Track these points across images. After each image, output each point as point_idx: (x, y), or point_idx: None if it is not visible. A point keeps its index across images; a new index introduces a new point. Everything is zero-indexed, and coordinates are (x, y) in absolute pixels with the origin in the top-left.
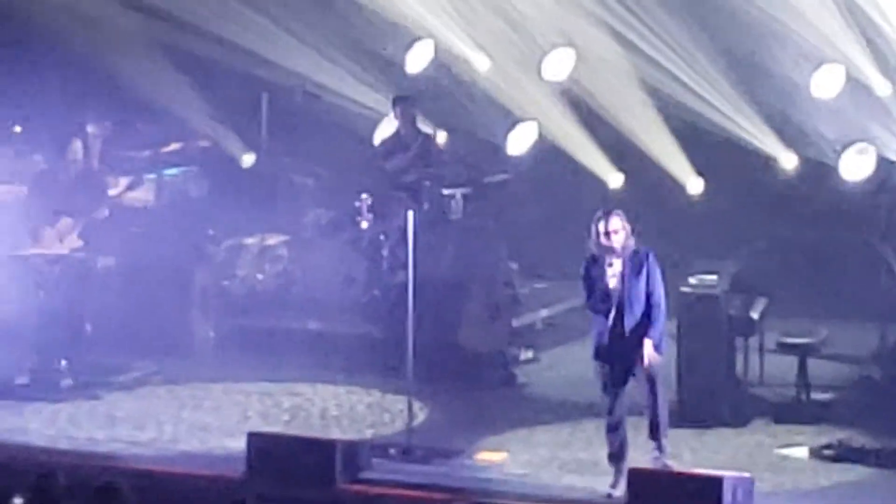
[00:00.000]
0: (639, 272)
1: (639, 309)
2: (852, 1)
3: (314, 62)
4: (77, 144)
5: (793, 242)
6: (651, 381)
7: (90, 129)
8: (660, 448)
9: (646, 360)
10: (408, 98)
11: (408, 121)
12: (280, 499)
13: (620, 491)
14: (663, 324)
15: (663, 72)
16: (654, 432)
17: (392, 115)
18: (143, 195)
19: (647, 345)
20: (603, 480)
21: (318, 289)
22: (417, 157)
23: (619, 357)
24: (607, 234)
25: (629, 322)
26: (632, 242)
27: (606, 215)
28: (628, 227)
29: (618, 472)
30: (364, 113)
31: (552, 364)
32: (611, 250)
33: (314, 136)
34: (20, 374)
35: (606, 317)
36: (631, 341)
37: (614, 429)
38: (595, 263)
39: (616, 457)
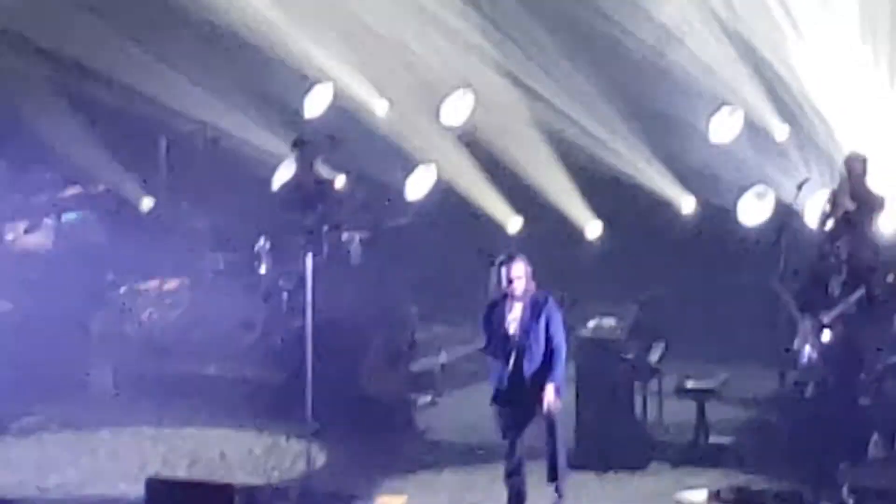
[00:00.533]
0: (538, 316)
1: (538, 353)
2: (750, 46)
3: (213, 106)
4: None
5: (691, 286)
6: (550, 426)
7: None
8: (559, 492)
9: (545, 405)
10: (307, 142)
11: (307, 165)
12: None
13: None
14: (563, 368)
15: (562, 116)
16: (554, 476)
17: (291, 158)
18: (41, 240)
19: (549, 389)
20: None
21: (216, 333)
22: (316, 201)
23: (518, 401)
24: (510, 279)
25: (528, 367)
26: (532, 286)
27: (509, 260)
28: (529, 271)
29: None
30: (263, 157)
31: (451, 408)
32: (512, 296)
33: (213, 180)
34: None
35: (506, 361)
36: (530, 385)
37: (513, 473)
38: (495, 308)
39: (515, 501)
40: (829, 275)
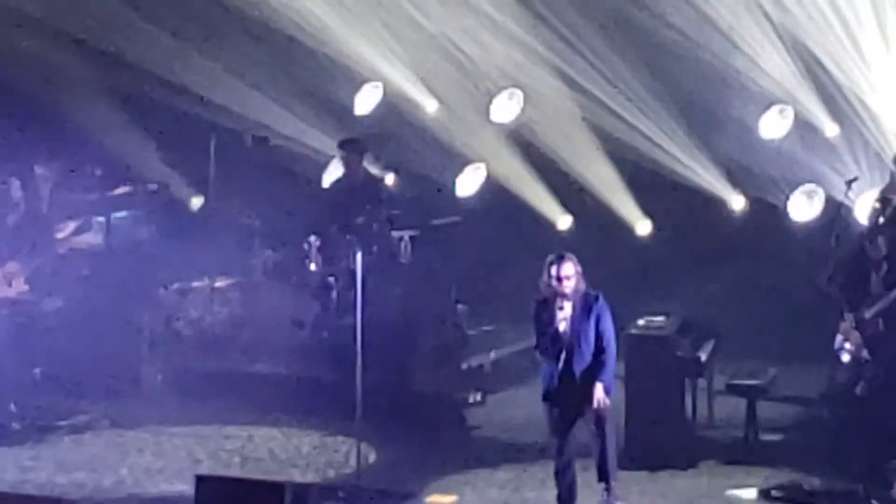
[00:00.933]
0: (588, 315)
1: (588, 352)
2: (800, 43)
3: (263, 105)
4: (16, 185)
5: (741, 284)
6: (600, 424)
7: (38, 170)
8: (608, 490)
9: (595, 403)
10: (355, 140)
11: (356, 163)
12: None
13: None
14: (613, 367)
15: (612, 114)
16: (603, 475)
17: (341, 157)
18: (91, 238)
19: (598, 388)
20: None
21: (267, 331)
22: (366, 199)
23: (568, 400)
24: (559, 279)
25: (579, 365)
26: (582, 286)
27: (559, 260)
28: (580, 271)
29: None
30: (313, 155)
31: (501, 406)
32: (562, 294)
33: (263, 178)
34: None
35: (556, 360)
36: (580, 384)
37: (563, 471)
38: (545, 306)
39: (565, 499)
40: (871, 271)
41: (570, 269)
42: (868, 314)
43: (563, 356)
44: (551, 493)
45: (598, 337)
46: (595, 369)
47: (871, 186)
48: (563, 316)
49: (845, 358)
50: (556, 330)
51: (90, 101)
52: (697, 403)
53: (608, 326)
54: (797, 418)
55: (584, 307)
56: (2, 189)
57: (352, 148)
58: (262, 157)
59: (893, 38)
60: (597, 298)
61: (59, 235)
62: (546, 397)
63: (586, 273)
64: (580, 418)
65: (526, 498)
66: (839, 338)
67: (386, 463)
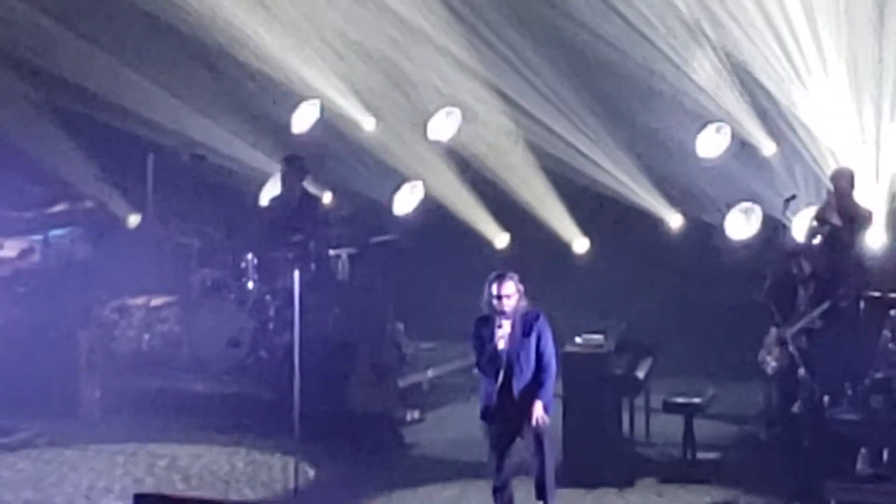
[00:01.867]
0: (528, 334)
1: (528, 370)
2: (737, 62)
3: (200, 123)
4: None
5: (679, 302)
6: (539, 442)
7: None
8: None
9: (534, 421)
10: (298, 158)
11: (295, 181)
12: None
13: None
14: (552, 385)
15: (549, 132)
16: (542, 494)
17: (279, 175)
18: (29, 255)
19: (538, 406)
20: None
21: (204, 349)
22: (304, 217)
23: (507, 418)
24: (499, 297)
25: (518, 383)
26: (523, 304)
27: (500, 279)
28: (521, 290)
29: None
30: (250, 174)
31: (439, 424)
32: (501, 312)
33: (200, 196)
34: None
35: (495, 378)
36: (519, 402)
37: (501, 489)
38: (485, 324)
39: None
40: (798, 288)
41: (510, 287)
42: (791, 331)
43: (501, 374)
44: None
45: (539, 356)
46: (534, 388)
47: (808, 205)
48: (502, 334)
49: (770, 370)
50: (495, 348)
51: (26, 118)
52: (635, 421)
53: (548, 345)
54: (735, 436)
55: (525, 325)
56: None
57: (294, 165)
58: (199, 175)
59: (830, 57)
60: (537, 317)
61: (3, 254)
62: (484, 415)
63: (524, 291)
64: (518, 437)
65: None
66: (762, 352)
67: (324, 481)
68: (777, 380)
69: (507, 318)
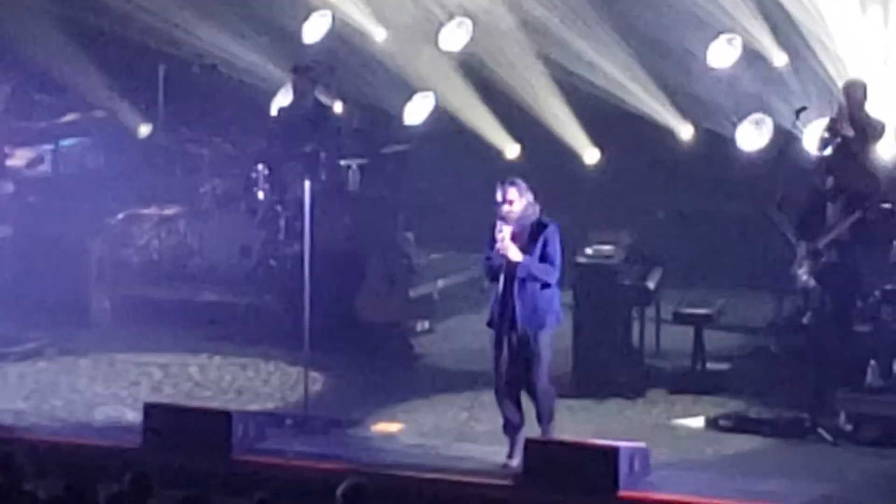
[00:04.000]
0: (535, 242)
1: (530, 279)
2: None
3: (211, 33)
4: None
5: (689, 213)
6: (529, 362)
7: None
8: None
9: (498, 243)
10: (309, 68)
11: (306, 91)
12: (176, 469)
13: (517, 461)
14: (543, 272)
15: (560, 43)
16: (539, 418)
17: (290, 84)
18: (40, 165)
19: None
20: (500, 450)
21: (214, 259)
22: (314, 127)
23: (508, 324)
24: (502, 202)
25: (520, 290)
26: (532, 212)
27: (503, 184)
28: (529, 197)
29: (513, 443)
30: (261, 84)
31: (448, 335)
32: (502, 218)
33: (211, 106)
34: None
35: (496, 281)
36: (521, 310)
37: (502, 396)
38: (493, 230)
39: (511, 427)
40: (826, 201)
41: (512, 193)
42: (821, 244)
43: (502, 279)
44: (498, 420)
45: (542, 259)
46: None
47: (820, 116)
48: (501, 238)
49: (801, 284)
50: (497, 252)
51: (37, 28)
52: (645, 332)
53: (555, 255)
54: (744, 347)
55: (532, 234)
56: None
57: (304, 75)
58: (210, 86)
59: None
60: (545, 226)
61: (10, 163)
62: (490, 322)
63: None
64: (518, 346)
65: (474, 426)
66: (795, 266)
67: (333, 391)
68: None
69: (507, 223)
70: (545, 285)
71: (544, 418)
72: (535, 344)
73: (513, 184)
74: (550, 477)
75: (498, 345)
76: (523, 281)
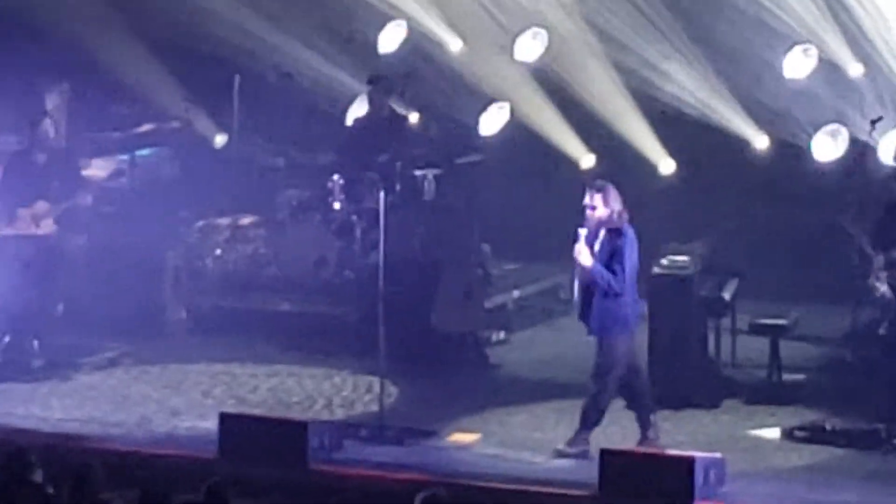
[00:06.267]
0: (607, 248)
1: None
2: None
3: (287, 43)
4: (47, 124)
5: (765, 223)
6: (597, 369)
7: (49, 101)
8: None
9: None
10: (384, 78)
11: (381, 101)
12: (252, 480)
13: (574, 450)
14: (607, 278)
15: (636, 54)
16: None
17: (366, 95)
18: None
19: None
20: (575, 462)
21: (290, 270)
22: (390, 137)
23: (587, 327)
24: (585, 207)
25: (595, 296)
26: (617, 219)
27: (590, 189)
28: (615, 206)
29: (580, 433)
30: (336, 94)
31: (524, 345)
32: (584, 224)
33: (286, 116)
34: None
35: (579, 287)
36: (597, 315)
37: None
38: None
39: (586, 420)
40: None
41: (597, 199)
42: None
43: (578, 283)
44: (572, 430)
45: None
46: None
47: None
48: (579, 243)
49: (878, 294)
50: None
51: (114, 40)
52: (721, 343)
53: (621, 261)
54: (820, 358)
55: (607, 241)
56: (29, 128)
57: (380, 85)
58: (286, 95)
59: None
60: (620, 234)
61: (86, 173)
62: (579, 316)
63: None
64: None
65: (548, 436)
66: (872, 277)
67: (409, 401)
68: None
69: (585, 228)
70: (610, 293)
71: (584, 421)
72: (599, 348)
73: (599, 190)
74: (626, 488)
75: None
76: (591, 286)
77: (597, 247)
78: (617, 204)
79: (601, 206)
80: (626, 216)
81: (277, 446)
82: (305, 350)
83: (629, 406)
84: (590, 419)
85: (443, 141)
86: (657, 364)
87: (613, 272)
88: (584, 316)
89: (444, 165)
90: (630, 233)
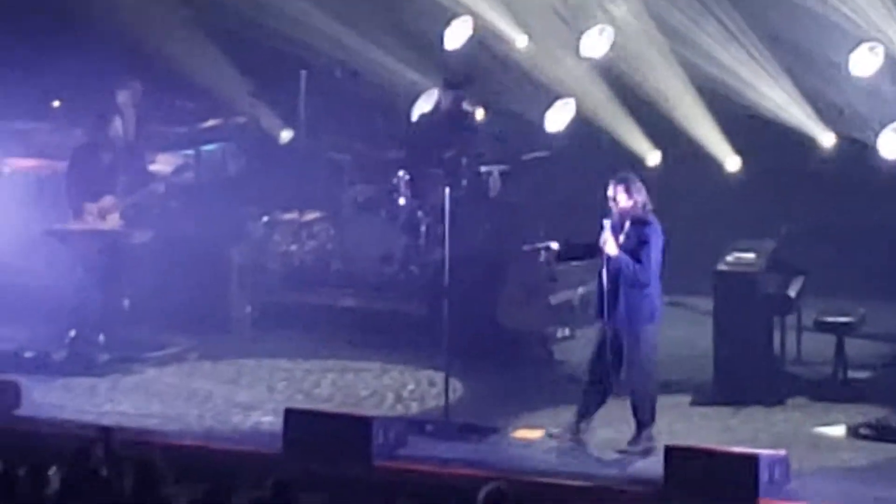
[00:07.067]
0: (631, 238)
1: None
2: None
3: (352, 39)
4: (117, 121)
5: (830, 221)
6: (624, 361)
7: (120, 97)
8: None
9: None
10: (454, 75)
11: (447, 97)
12: (316, 475)
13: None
14: (633, 268)
15: (702, 50)
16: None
17: (431, 91)
18: (183, 172)
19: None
20: (639, 459)
21: (355, 265)
22: (455, 133)
23: (607, 318)
24: (608, 198)
25: (620, 286)
26: (641, 210)
27: (613, 181)
28: (639, 197)
29: (577, 424)
30: (402, 89)
31: (589, 341)
32: (609, 214)
33: (352, 112)
34: (58, 348)
35: (600, 274)
36: (621, 306)
37: (590, 384)
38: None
39: (582, 414)
40: None
41: (617, 192)
42: None
43: (604, 274)
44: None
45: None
46: (627, 293)
47: None
48: (605, 234)
49: None
50: (601, 247)
51: (180, 35)
52: (786, 340)
53: (645, 252)
54: (886, 356)
55: (634, 232)
56: (97, 122)
57: (444, 81)
58: (351, 91)
59: None
60: (646, 224)
61: (153, 167)
62: (597, 311)
63: (674, 209)
64: (615, 340)
65: (613, 433)
66: None
67: (473, 397)
68: None
69: (609, 219)
70: (637, 284)
71: (641, 418)
72: (628, 340)
73: (621, 181)
74: (691, 484)
75: (600, 333)
76: (618, 276)
77: (622, 238)
78: (640, 195)
79: (625, 197)
80: (649, 207)
81: (342, 442)
82: (370, 346)
83: (588, 391)
84: (645, 414)
85: (508, 137)
86: (722, 361)
87: (639, 262)
88: (607, 310)
89: (509, 162)
90: (655, 224)
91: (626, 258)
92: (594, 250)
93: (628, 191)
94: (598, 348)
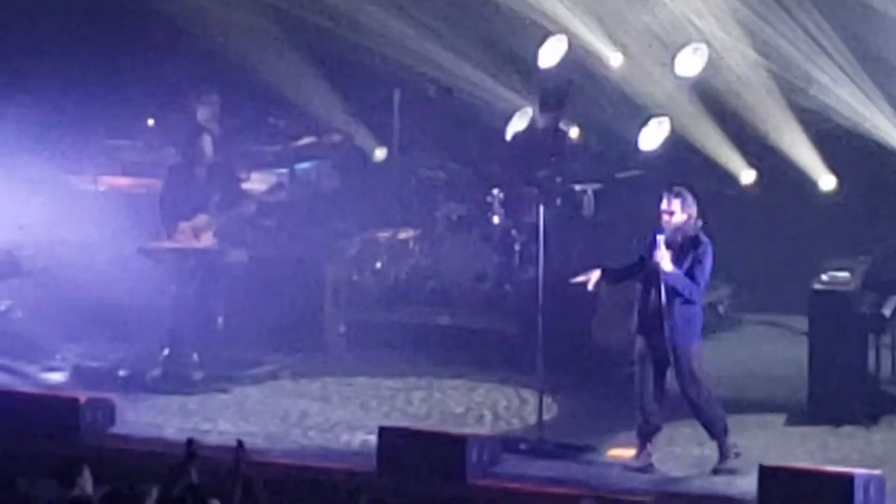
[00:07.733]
0: (685, 257)
1: (673, 292)
2: None
3: (446, 57)
4: (207, 138)
5: None
6: (683, 376)
7: (201, 114)
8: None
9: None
10: (551, 93)
11: (545, 117)
12: (410, 493)
13: (640, 463)
14: (684, 284)
15: (795, 67)
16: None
17: (525, 109)
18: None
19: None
20: (734, 480)
21: (449, 283)
22: (550, 152)
23: (651, 332)
24: (662, 212)
25: (668, 303)
26: (692, 226)
27: (668, 194)
28: (692, 212)
29: (641, 446)
30: (496, 108)
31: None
32: (661, 229)
33: (446, 130)
34: (153, 367)
35: (646, 290)
36: (669, 324)
37: (643, 421)
38: (656, 236)
39: (642, 432)
40: None
41: (675, 205)
42: None
43: (652, 290)
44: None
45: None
46: (675, 312)
47: None
48: (659, 250)
49: None
50: (649, 262)
51: (274, 55)
52: (881, 359)
53: (699, 271)
54: None
55: (684, 248)
56: (190, 141)
57: (543, 101)
58: (445, 110)
59: None
60: (698, 244)
61: (246, 186)
62: (638, 327)
63: (768, 228)
64: (664, 360)
65: (709, 453)
66: None
67: (567, 416)
68: None
69: (662, 233)
70: (687, 301)
71: (714, 434)
72: (682, 358)
73: (677, 195)
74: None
75: (645, 349)
76: (670, 293)
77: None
78: (693, 210)
79: (679, 211)
80: (700, 223)
81: (436, 460)
82: (464, 364)
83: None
84: (718, 428)
85: (602, 155)
86: (816, 380)
87: (694, 280)
88: (655, 326)
89: (603, 180)
90: (708, 243)
91: (681, 276)
92: (637, 269)
93: (684, 205)
94: (642, 379)
